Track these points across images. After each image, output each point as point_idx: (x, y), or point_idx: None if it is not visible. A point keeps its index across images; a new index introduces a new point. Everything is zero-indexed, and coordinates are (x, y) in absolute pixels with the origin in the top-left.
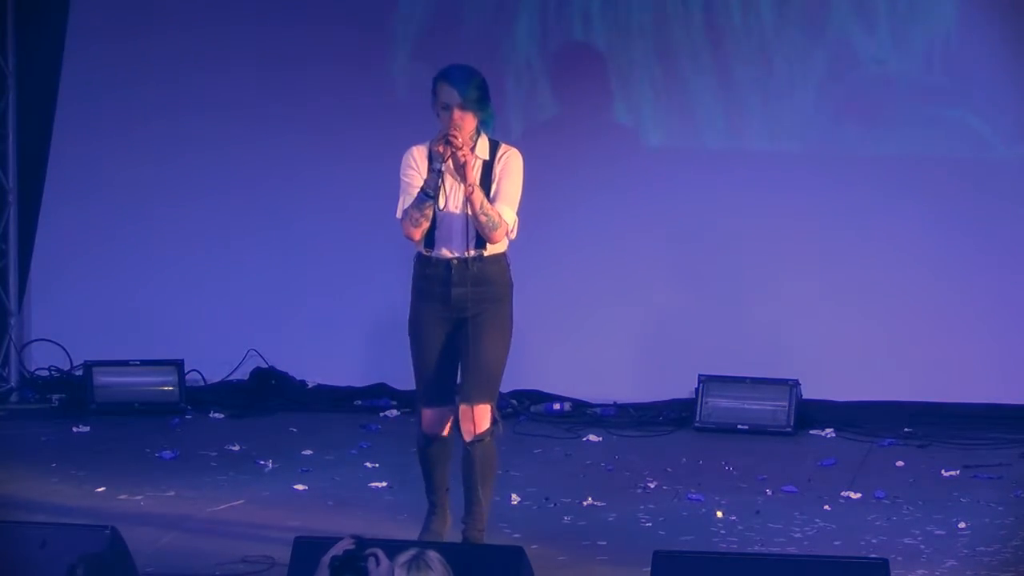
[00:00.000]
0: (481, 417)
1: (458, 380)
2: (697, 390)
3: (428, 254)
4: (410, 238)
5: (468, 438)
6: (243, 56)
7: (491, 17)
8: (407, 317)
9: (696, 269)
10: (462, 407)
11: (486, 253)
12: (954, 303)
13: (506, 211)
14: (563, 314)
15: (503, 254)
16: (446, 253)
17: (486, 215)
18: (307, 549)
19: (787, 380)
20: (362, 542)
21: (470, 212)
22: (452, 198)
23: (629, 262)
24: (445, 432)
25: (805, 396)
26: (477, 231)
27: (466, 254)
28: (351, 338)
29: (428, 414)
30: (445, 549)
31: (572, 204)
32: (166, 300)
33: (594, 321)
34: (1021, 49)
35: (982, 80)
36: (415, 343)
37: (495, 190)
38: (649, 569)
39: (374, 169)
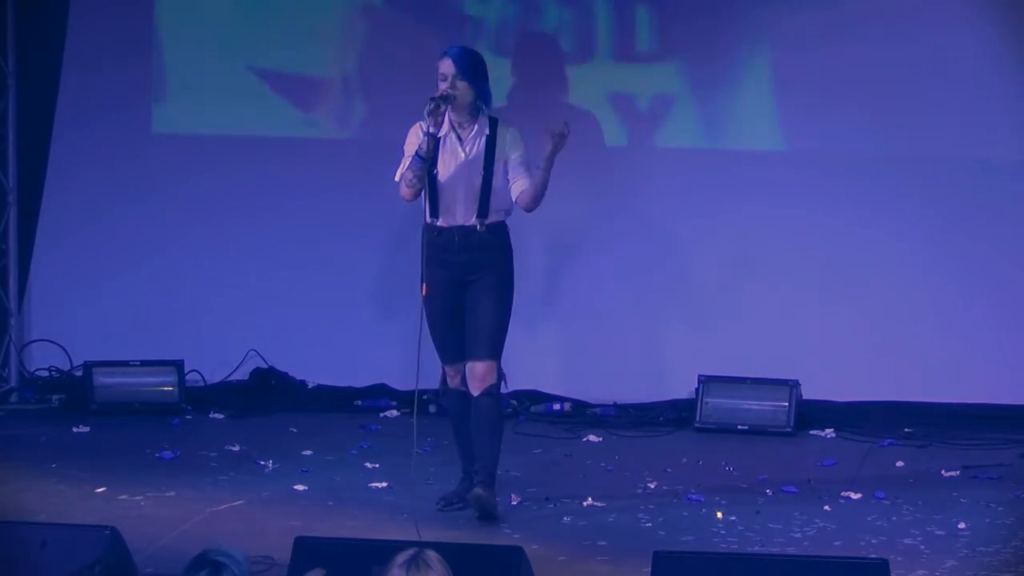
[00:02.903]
0: (486, 373)
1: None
2: (697, 390)
3: (434, 223)
4: (404, 199)
5: (476, 393)
6: (242, 51)
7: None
8: (407, 318)
9: (696, 269)
10: (468, 364)
11: (487, 221)
12: (954, 303)
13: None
14: (563, 314)
15: (503, 222)
16: (450, 222)
17: (540, 193)
18: (307, 549)
19: (787, 380)
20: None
21: (533, 191)
22: (452, 170)
23: (628, 262)
24: (464, 385)
25: (805, 396)
26: (478, 201)
27: (468, 223)
28: (351, 338)
29: (447, 370)
30: (444, 549)
31: (570, 203)
32: (166, 300)
33: (594, 321)
34: (1019, 48)
35: (981, 80)
36: (429, 308)
37: (516, 167)
38: (649, 569)
39: (375, 169)
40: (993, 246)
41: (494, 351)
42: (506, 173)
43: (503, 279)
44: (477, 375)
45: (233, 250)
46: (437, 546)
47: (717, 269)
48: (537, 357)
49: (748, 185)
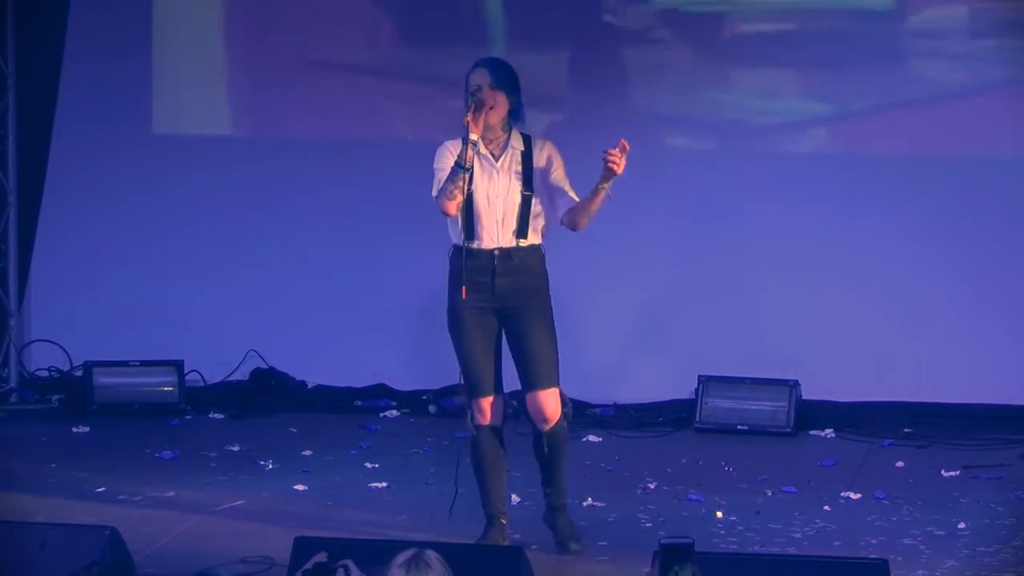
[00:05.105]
0: (552, 401)
1: (516, 371)
2: (697, 390)
3: (469, 246)
4: (446, 213)
5: (545, 427)
6: (243, 52)
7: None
8: (407, 318)
9: (696, 269)
10: (530, 396)
11: (525, 243)
12: (954, 303)
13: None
14: (563, 314)
15: (540, 245)
16: (488, 244)
17: (591, 214)
18: (307, 549)
19: (787, 380)
20: (334, 554)
21: (585, 209)
22: (490, 188)
23: (629, 262)
24: (499, 421)
25: (805, 396)
26: (517, 220)
27: (508, 244)
28: (351, 338)
29: (482, 403)
30: (445, 549)
31: None
32: (166, 300)
33: (594, 321)
34: (1019, 48)
35: (980, 80)
36: (460, 336)
37: (558, 183)
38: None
39: (375, 169)
40: (993, 246)
41: (556, 377)
42: (544, 191)
43: (546, 303)
44: (542, 405)
45: (233, 250)
46: (437, 546)
47: (717, 270)
48: None
49: (748, 185)
